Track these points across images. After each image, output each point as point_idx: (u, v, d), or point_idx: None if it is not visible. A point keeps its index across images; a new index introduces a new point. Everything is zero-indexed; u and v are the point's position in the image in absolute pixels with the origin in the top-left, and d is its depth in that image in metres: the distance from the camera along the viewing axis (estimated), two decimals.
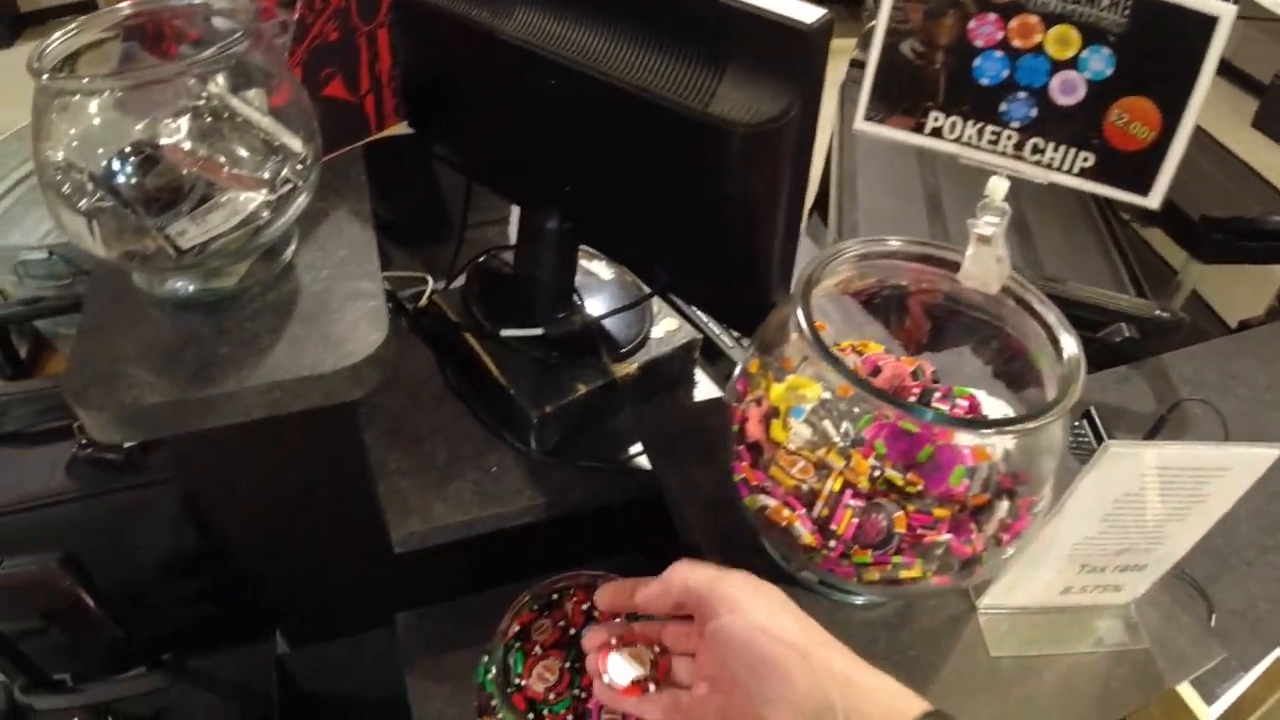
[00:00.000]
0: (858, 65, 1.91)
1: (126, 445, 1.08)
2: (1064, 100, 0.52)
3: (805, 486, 0.56)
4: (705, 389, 0.95)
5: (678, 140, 0.65)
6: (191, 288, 0.72)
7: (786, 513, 0.56)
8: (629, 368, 0.86)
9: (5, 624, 0.98)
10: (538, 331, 0.86)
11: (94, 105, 0.64)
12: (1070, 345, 0.56)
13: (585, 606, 0.66)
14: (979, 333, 0.63)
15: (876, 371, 0.63)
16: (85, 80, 0.67)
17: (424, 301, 0.97)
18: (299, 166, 0.70)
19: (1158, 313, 1.37)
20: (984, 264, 0.57)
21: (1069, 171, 0.53)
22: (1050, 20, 0.50)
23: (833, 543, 0.55)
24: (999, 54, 0.52)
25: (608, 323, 0.89)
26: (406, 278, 1.00)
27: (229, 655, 1.10)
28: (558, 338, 0.87)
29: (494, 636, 0.64)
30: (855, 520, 0.55)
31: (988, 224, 0.56)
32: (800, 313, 0.55)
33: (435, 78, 0.87)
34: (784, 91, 0.58)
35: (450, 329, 0.91)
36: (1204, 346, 1.36)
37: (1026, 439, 0.55)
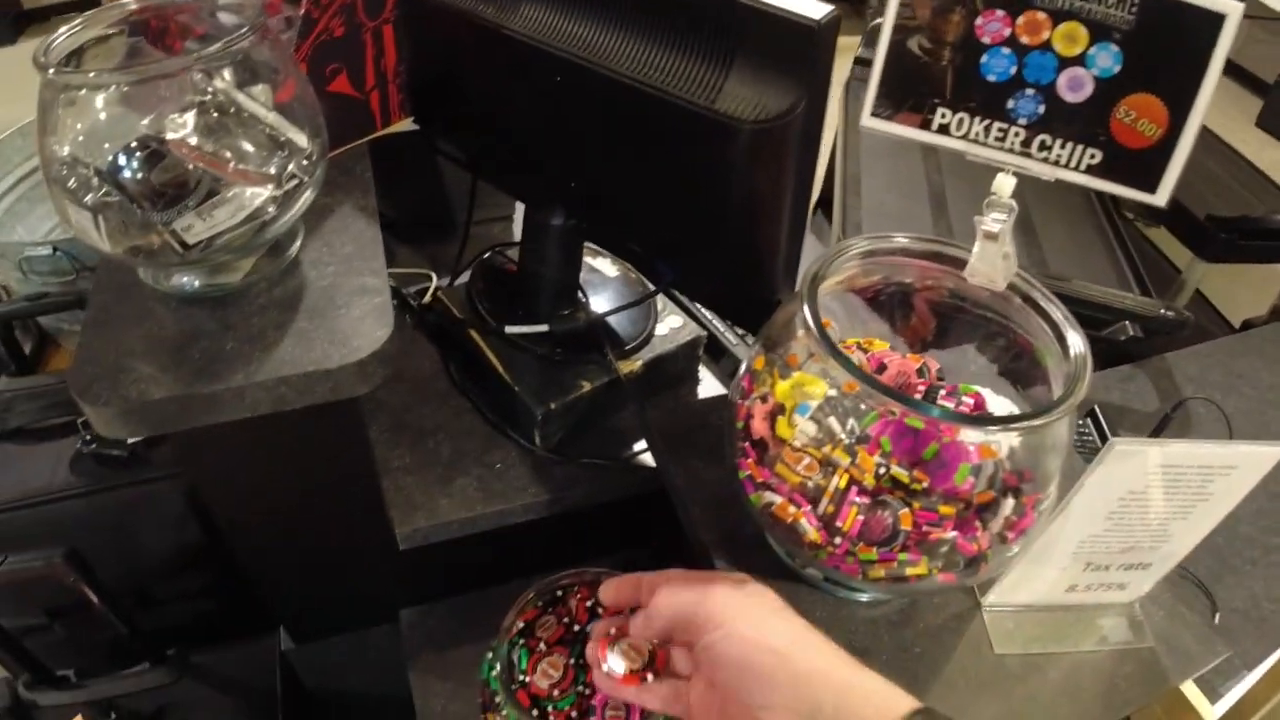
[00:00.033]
0: (862, 63, 1.91)
1: (131, 441, 1.08)
2: (1071, 97, 0.52)
3: (810, 483, 0.56)
4: (710, 386, 0.95)
5: (683, 136, 0.65)
6: (197, 283, 0.72)
7: (792, 509, 0.56)
8: (634, 365, 0.86)
9: (9, 620, 0.99)
10: (542, 328, 0.86)
11: (100, 100, 0.64)
12: (1077, 342, 0.55)
13: (589, 603, 0.66)
14: (984, 330, 0.63)
15: (882, 368, 0.63)
16: (91, 75, 0.67)
17: (428, 298, 0.97)
18: (305, 162, 0.70)
19: (1162, 311, 1.36)
20: (990, 261, 0.57)
21: (1076, 168, 0.53)
22: (1058, 17, 0.50)
23: (838, 539, 0.55)
24: (1006, 50, 0.52)
25: (612, 320, 0.89)
26: (411, 274, 1.01)
27: (233, 651, 1.10)
28: (562, 334, 0.87)
29: (498, 633, 0.64)
30: (860, 517, 0.55)
31: (995, 220, 0.55)
32: (806, 309, 0.55)
33: (440, 74, 0.87)
34: (791, 88, 0.58)
35: (455, 325, 0.91)
36: (1208, 345, 1.35)
37: (1032, 436, 0.55)
